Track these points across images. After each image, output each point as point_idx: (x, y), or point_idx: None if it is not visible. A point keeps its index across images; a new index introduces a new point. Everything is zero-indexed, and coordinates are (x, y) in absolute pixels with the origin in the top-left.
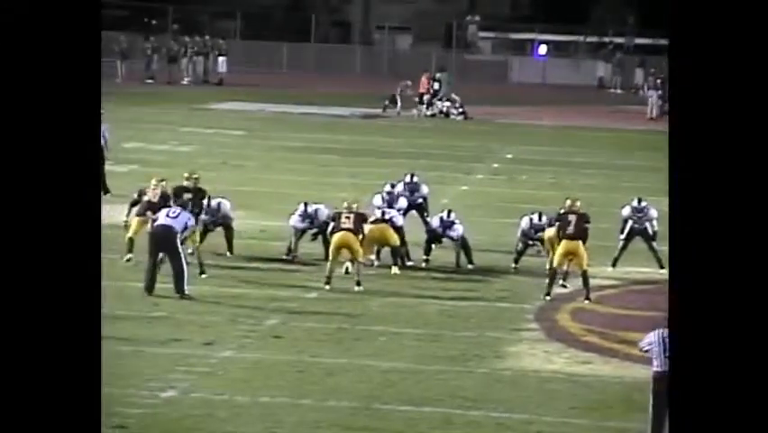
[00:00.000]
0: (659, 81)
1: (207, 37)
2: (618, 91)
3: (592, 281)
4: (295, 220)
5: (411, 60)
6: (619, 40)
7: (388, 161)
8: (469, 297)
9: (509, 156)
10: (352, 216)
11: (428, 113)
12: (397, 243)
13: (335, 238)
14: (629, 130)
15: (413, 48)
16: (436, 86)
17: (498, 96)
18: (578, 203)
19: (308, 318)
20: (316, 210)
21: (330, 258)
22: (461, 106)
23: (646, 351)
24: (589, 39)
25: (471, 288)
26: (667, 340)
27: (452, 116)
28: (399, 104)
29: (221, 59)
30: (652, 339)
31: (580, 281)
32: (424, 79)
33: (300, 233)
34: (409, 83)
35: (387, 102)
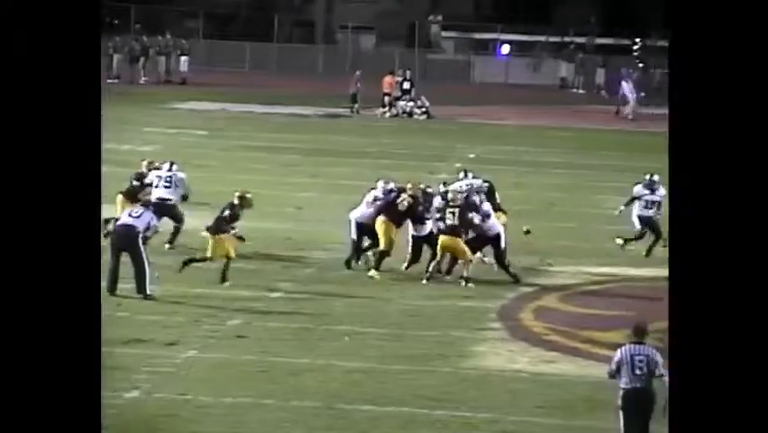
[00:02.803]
0: (633, 82)
1: (170, 37)
2: (580, 91)
3: (556, 280)
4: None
5: (374, 60)
6: (581, 40)
7: (351, 160)
8: (432, 296)
9: (472, 156)
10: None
11: (392, 112)
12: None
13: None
14: (592, 129)
15: (376, 48)
16: (406, 85)
17: (461, 95)
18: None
19: (272, 318)
20: None
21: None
22: (424, 106)
23: (616, 370)
24: (552, 39)
25: (435, 287)
26: (636, 357)
27: (416, 116)
28: (358, 101)
29: (183, 58)
30: (619, 357)
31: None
32: (387, 79)
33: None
34: (358, 73)
35: (352, 104)
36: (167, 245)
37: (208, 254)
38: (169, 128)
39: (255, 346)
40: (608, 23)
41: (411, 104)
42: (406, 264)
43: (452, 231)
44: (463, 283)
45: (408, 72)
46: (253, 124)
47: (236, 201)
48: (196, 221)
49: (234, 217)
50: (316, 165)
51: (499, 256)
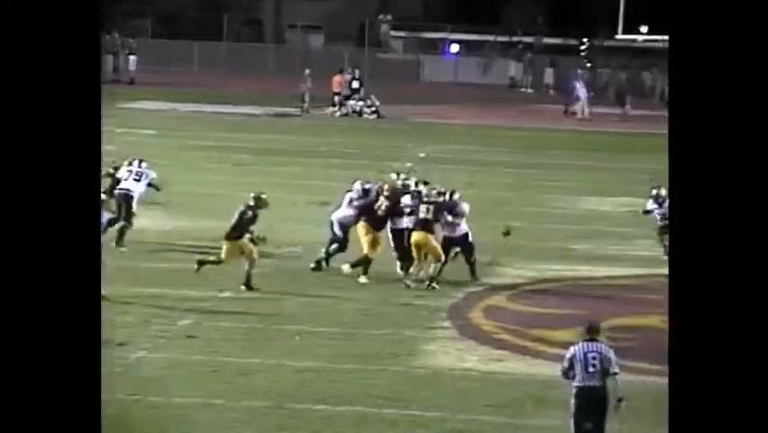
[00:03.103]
0: (585, 82)
1: (117, 36)
2: (529, 90)
3: (505, 280)
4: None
5: (324, 60)
6: (529, 39)
7: (302, 159)
8: (383, 295)
9: (422, 155)
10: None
11: (342, 112)
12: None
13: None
14: (541, 129)
15: (325, 47)
16: (356, 84)
17: (411, 95)
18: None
19: (222, 318)
20: None
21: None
22: (374, 105)
23: (569, 368)
24: (500, 38)
25: (386, 287)
26: (589, 354)
27: (365, 115)
28: (307, 100)
29: (131, 57)
30: (572, 354)
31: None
32: (337, 78)
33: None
34: (307, 72)
35: (302, 103)
36: (114, 245)
37: (222, 256)
38: (119, 128)
39: (205, 346)
40: (556, 22)
41: (361, 103)
42: (400, 265)
43: (423, 226)
44: (430, 284)
45: (357, 71)
46: (203, 123)
47: (252, 203)
48: (147, 221)
49: (253, 219)
50: (267, 165)
51: (468, 255)
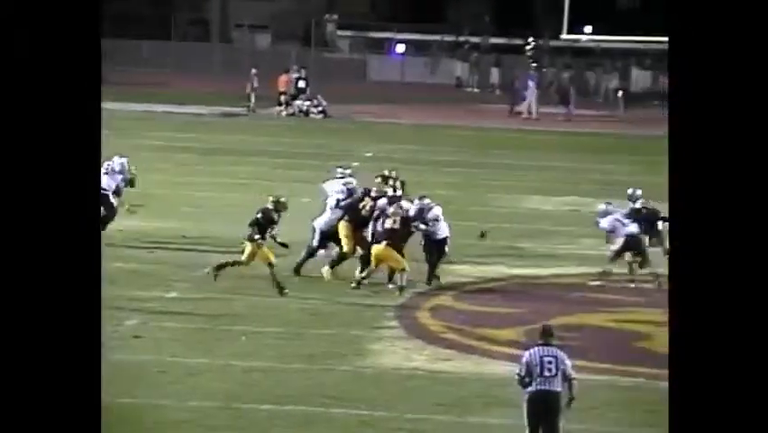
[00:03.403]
0: (533, 82)
1: None
2: (475, 90)
3: (453, 279)
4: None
5: (270, 59)
6: (475, 39)
7: (249, 159)
8: (330, 295)
9: (369, 154)
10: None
11: (288, 111)
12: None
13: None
14: (486, 128)
15: (272, 46)
16: (302, 84)
17: (357, 94)
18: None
19: (169, 318)
20: None
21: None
22: (321, 105)
23: (526, 374)
24: (447, 38)
25: (332, 287)
26: (545, 358)
27: (312, 115)
28: (253, 100)
29: None
30: (527, 359)
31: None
32: (283, 78)
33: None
34: (254, 72)
35: (248, 102)
36: None
37: (243, 258)
38: None
39: (152, 347)
40: (502, 22)
41: (308, 103)
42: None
43: (388, 237)
44: (397, 292)
45: (304, 71)
46: (150, 123)
47: (270, 206)
48: None
49: (272, 222)
50: (214, 164)
51: (439, 258)
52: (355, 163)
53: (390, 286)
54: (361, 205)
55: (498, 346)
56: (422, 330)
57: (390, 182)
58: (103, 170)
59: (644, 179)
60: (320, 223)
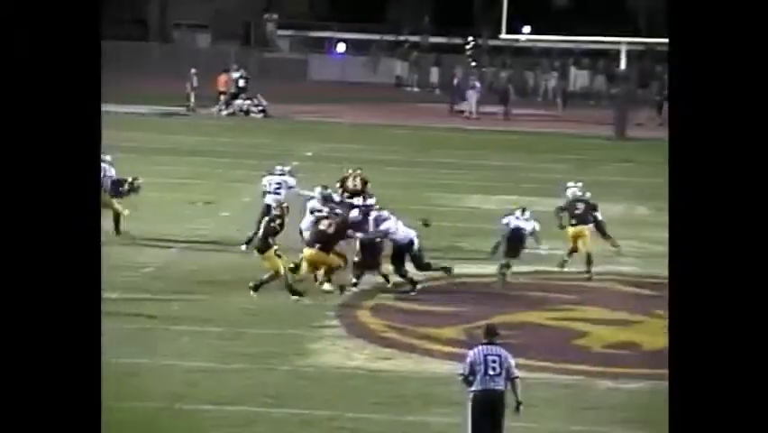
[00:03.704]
0: (477, 81)
1: None
2: (415, 89)
3: (394, 278)
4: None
5: (210, 58)
6: (415, 38)
7: (189, 159)
8: (270, 294)
9: (309, 154)
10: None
11: (228, 111)
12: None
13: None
14: (426, 127)
15: (212, 46)
16: (242, 83)
17: (297, 94)
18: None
19: (109, 319)
20: None
21: None
22: (261, 105)
23: (470, 373)
24: (386, 38)
25: (272, 286)
26: (489, 357)
27: (252, 114)
28: (193, 99)
29: None
30: (471, 359)
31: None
32: (223, 77)
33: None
34: (193, 71)
35: (188, 102)
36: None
37: (275, 271)
38: None
39: None
40: (442, 22)
41: (248, 102)
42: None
43: (320, 240)
44: (337, 291)
45: (244, 71)
46: None
47: (278, 212)
48: None
49: (278, 228)
50: (153, 164)
51: (416, 260)
52: (295, 163)
53: (327, 287)
54: (322, 226)
55: (439, 345)
56: (363, 329)
57: (351, 183)
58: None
59: (583, 178)
60: (304, 225)
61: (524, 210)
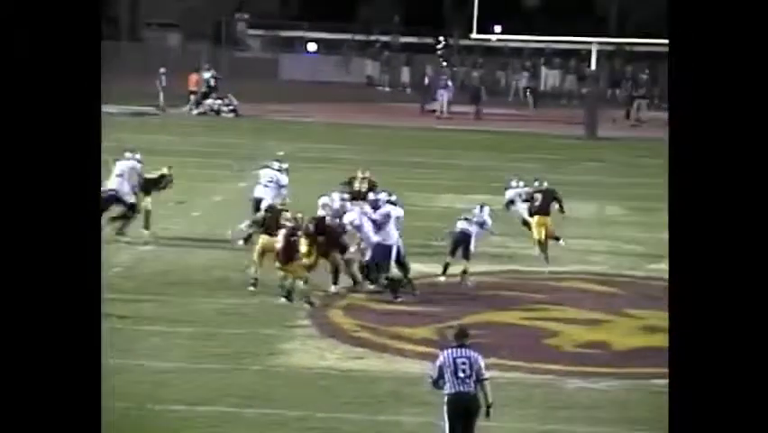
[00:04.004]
0: (448, 81)
1: None
2: (386, 89)
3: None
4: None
5: (181, 58)
6: (386, 38)
7: (160, 158)
8: (242, 295)
9: (281, 153)
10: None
11: (199, 110)
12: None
13: None
14: (398, 127)
15: (183, 45)
16: (213, 82)
17: (269, 93)
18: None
19: None
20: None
21: None
22: (232, 104)
23: (439, 377)
24: (358, 37)
25: (244, 286)
26: (459, 360)
27: (223, 114)
28: (162, 99)
29: None
30: (441, 361)
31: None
32: (193, 77)
33: None
34: (162, 71)
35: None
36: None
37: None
38: None
39: None
40: (413, 21)
41: (219, 102)
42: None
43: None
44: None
45: (214, 70)
46: None
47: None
48: None
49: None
50: None
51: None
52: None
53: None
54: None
55: (411, 345)
56: (335, 329)
57: (357, 185)
58: (116, 172)
59: (554, 177)
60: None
61: (482, 207)
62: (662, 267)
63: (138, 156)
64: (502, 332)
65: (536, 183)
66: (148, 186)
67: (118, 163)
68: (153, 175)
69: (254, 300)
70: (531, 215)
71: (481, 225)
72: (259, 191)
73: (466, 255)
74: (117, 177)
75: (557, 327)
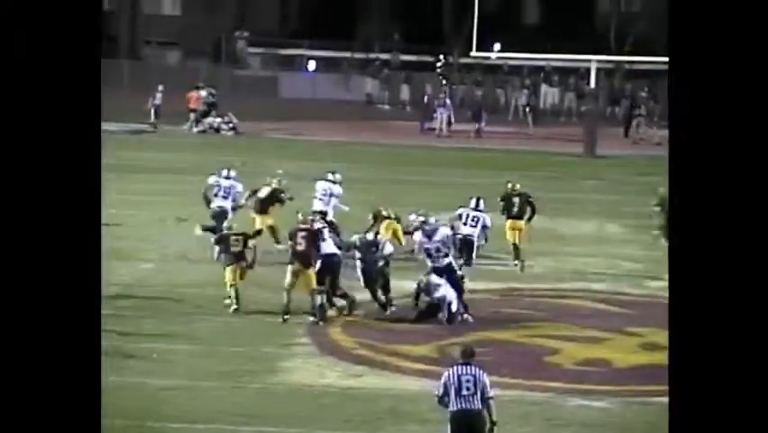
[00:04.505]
0: (446, 99)
1: None
2: (386, 107)
3: (364, 295)
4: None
5: (180, 76)
6: (386, 56)
7: (159, 176)
8: (241, 312)
9: (281, 171)
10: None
11: (199, 128)
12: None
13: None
14: (397, 145)
15: (182, 63)
16: (212, 100)
17: (268, 111)
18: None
19: None
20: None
21: None
22: (231, 122)
23: (444, 394)
24: (357, 55)
25: (243, 304)
26: (463, 377)
27: (223, 132)
28: (153, 117)
29: None
30: (445, 379)
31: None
32: (193, 95)
33: None
34: (160, 89)
35: (155, 119)
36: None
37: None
38: None
39: None
40: (412, 39)
41: (218, 120)
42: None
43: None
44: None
45: (212, 88)
46: None
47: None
48: None
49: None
50: (123, 182)
51: (385, 283)
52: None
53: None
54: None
55: (410, 362)
56: (334, 346)
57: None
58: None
59: (553, 195)
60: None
61: (478, 200)
62: (662, 285)
63: (233, 173)
64: (502, 350)
65: (509, 185)
66: (263, 205)
67: (220, 181)
68: (264, 193)
69: (254, 318)
70: (507, 218)
71: (484, 227)
72: (317, 204)
73: (468, 262)
74: (222, 197)
75: (557, 344)
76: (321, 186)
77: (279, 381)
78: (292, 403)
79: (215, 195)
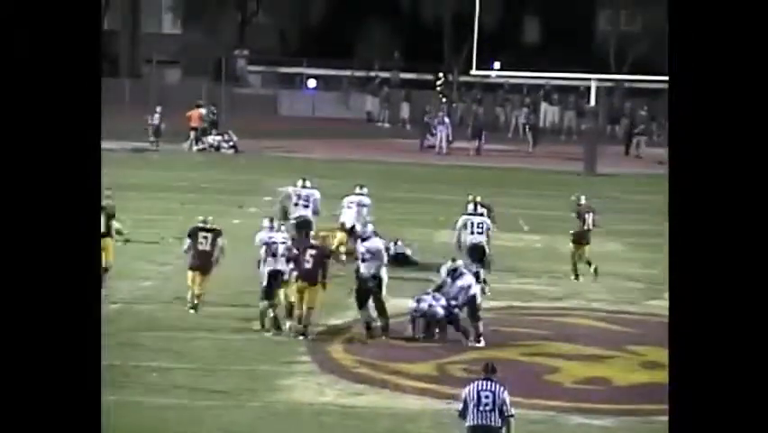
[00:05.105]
0: (445, 117)
1: None
2: (386, 125)
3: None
4: None
5: (181, 94)
6: (385, 74)
7: (159, 194)
8: (241, 330)
9: (281, 189)
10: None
11: (199, 146)
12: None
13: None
14: (397, 163)
15: (182, 81)
16: (213, 118)
17: (268, 129)
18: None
19: None
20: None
21: None
22: (232, 140)
23: (464, 408)
24: (357, 73)
25: (243, 323)
26: (482, 393)
27: (223, 150)
28: (151, 136)
29: None
30: (465, 394)
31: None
32: (194, 113)
33: None
34: (159, 108)
35: (156, 137)
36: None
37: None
38: None
39: None
40: (412, 57)
41: (218, 138)
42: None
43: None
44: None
45: (214, 106)
46: None
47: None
48: None
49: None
50: (123, 200)
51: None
52: (267, 198)
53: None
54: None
55: (411, 381)
56: (334, 365)
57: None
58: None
59: (553, 213)
60: None
61: (476, 205)
62: (662, 303)
63: (309, 183)
64: (502, 368)
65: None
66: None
67: (299, 191)
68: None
69: (254, 336)
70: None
71: (488, 230)
72: (344, 216)
73: (486, 268)
74: (303, 206)
75: (557, 363)
76: (349, 198)
77: (279, 399)
78: (292, 421)
79: (295, 204)
